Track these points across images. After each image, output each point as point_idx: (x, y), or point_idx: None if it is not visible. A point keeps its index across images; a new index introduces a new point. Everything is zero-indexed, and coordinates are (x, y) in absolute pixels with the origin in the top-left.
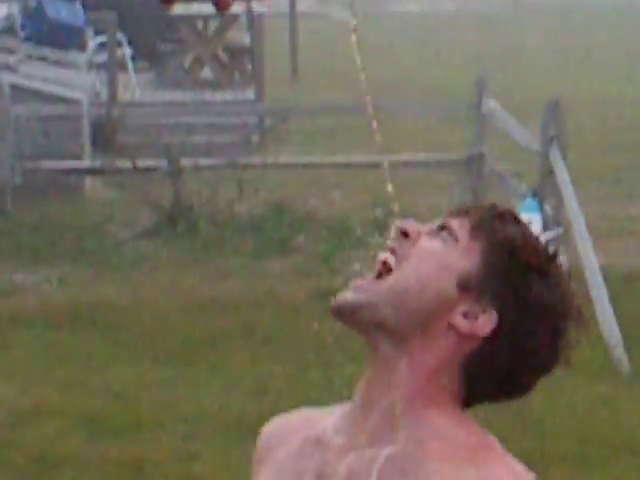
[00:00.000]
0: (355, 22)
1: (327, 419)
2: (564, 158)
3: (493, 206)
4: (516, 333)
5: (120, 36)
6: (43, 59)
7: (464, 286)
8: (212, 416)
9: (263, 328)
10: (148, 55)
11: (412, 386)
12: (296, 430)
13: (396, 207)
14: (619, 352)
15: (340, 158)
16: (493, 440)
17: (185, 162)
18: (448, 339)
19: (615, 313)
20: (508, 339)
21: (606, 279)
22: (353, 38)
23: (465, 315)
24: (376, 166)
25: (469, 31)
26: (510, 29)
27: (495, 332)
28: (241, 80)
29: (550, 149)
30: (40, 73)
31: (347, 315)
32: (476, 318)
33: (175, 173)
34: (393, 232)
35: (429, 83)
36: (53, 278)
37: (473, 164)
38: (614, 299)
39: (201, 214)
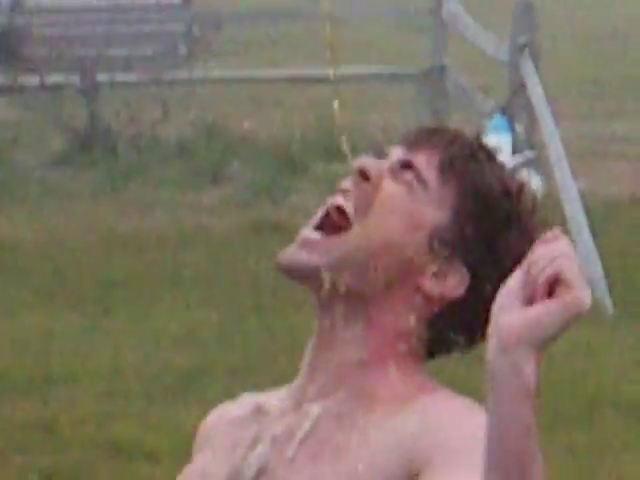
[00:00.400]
0: None
1: (273, 396)
2: (537, 69)
3: (463, 138)
4: (488, 291)
5: None
6: None
7: (435, 243)
8: (133, 370)
9: (192, 268)
10: None
11: (367, 351)
12: (239, 414)
13: (345, 129)
14: (601, 291)
15: (280, 71)
16: (443, 387)
17: (101, 78)
18: (414, 301)
19: (596, 246)
20: (478, 297)
21: (586, 207)
22: None
23: (435, 275)
24: (322, 80)
25: None
26: None
27: (466, 292)
28: None
29: (521, 59)
30: None
31: (297, 276)
32: (446, 278)
33: (90, 90)
34: (350, 170)
35: None
36: None
37: (433, 77)
38: (595, 230)
39: (120, 138)
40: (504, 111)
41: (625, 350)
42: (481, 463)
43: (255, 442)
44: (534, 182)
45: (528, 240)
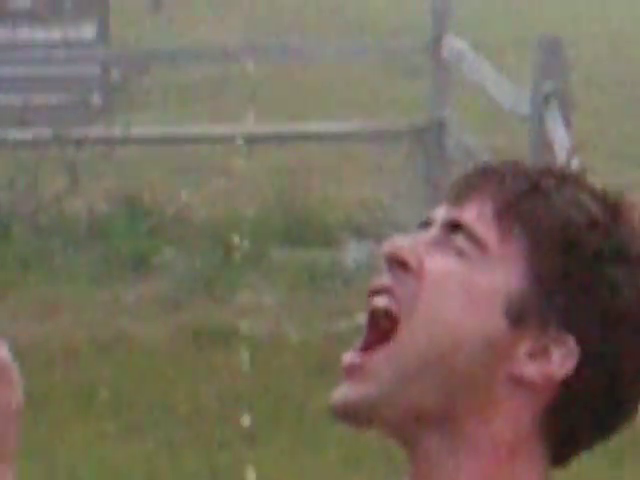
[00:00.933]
0: None
1: None
2: (567, 125)
3: (518, 170)
4: (606, 354)
5: None
6: None
7: (517, 314)
8: None
9: (109, 388)
10: None
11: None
12: None
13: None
14: None
15: (224, 128)
16: None
17: None
18: (514, 398)
19: None
20: (598, 366)
21: None
22: None
23: (531, 356)
24: (281, 140)
25: None
26: None
27: (579, 364)
28: (75, 11)
29: (546, 111)
30: None
31: (361, 420)
32: (546, 354)
33: None
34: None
35: (369, 18)
36: None
37: (430, 135)
38: None
39: (14, 216)
40: None
41: None
42: None
43: None
44: None
45: (635, 274)
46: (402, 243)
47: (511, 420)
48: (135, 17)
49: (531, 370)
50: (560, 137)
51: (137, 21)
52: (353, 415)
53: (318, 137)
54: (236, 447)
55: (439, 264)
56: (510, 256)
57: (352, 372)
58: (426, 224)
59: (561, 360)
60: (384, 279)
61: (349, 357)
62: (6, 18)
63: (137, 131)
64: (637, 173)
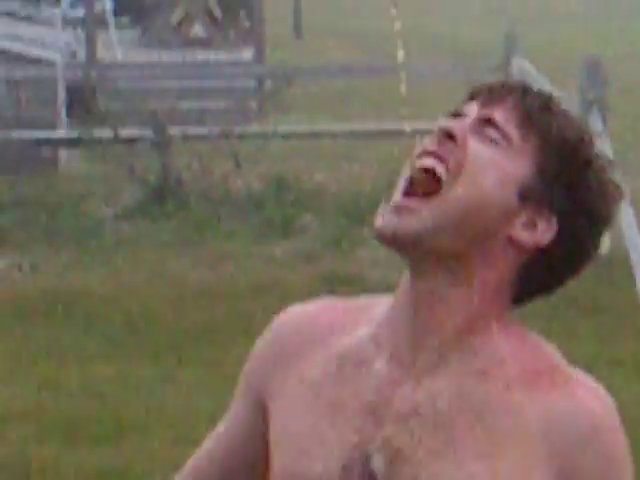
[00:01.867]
0: None
1: (358, 326)
2: (605, 125)
3: (534, 92)
4: (575, 234)
5: None
6: (11, 14)
7: (525, 195)
8: (206, 419)
9: (264, 318)
10: (131, 9)
11: (472, 311)
12: (320, 335)
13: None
14: None
15: (351, 126)
16: (554, 353)
17: (174, 131)
18: (508, 253)
19: None
20: (567, 240)
21: None
22: None
23: (525, 226)
24: (393, 135)
25: None
26: None
27: (555, 237)
28: (237, 38)
29: (590, 115)
30: (8, 30)
31: (400, 244)
32: (535, 227)
33: (162, 144)
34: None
35: (455, 40)
36: (24, 263)
37: None
38: None
39: (192, 190)
40: None
41: None
42: None
43: (373, 412)
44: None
45: (605, 180)
46: (451, 121)
47: (499, 269)
48: (282, 42)
49: (524, 236)
50: (601, 135)
51: (284, 45)
52: (397, 241)
53: (423, 133)
54: None
55: (480, 146)
56: (526, 152)
57: (402, 210)
58: (456, 115)
59: (543, 232)
60: (430, 145)
61: (399, 199)
62: (188, 44)
63: (284, 128)
64: None
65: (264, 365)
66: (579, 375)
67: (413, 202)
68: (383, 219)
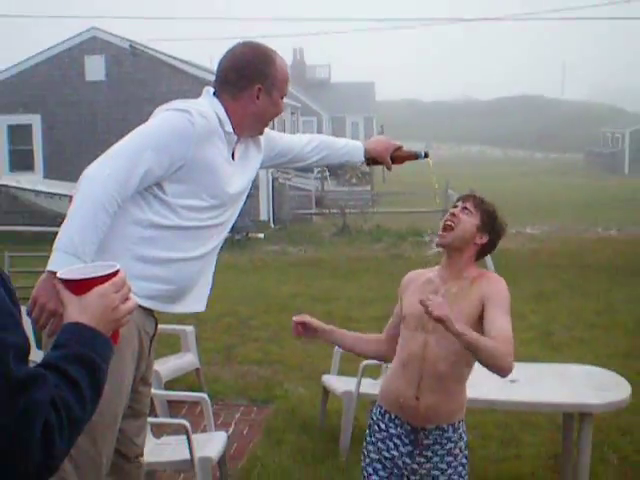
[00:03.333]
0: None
1: (428, 274)
2: None
3: (480, 197)
4: (492, 240)
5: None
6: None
7: (478, 229)
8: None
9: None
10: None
11: (464, 261)
12: (416, 279)
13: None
14: None
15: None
16: (484, 269)
17: None
18: (473, 246)
19: None
20: (490, 242)
21: None
22: None
23: (479, 238)
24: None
25: None
26: None
27: (487, 241)
28: None
29: None
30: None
31: (450, 246)
32: (482, 238)
33: None
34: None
35: None
36: None
37: None
38: None
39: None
40: None
41: None
42: (507, 310)
43: (435, 292)
44: None
45: (502, 225)
46: (455, 208)
47: (471, 251)
48: None
49: (479, 241)
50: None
51: None
52: (443, 245)
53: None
54: None
55: (463, 215)
56: (477, 216)
57: (442, 235)
58: (455, 205)
59: (483, 240)
60: (449, 217)
61: (440, 232)
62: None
63: None
64: None
65: (400, 292)
66: (493, 274)
67: (445, 233)
68: (439, 237)
